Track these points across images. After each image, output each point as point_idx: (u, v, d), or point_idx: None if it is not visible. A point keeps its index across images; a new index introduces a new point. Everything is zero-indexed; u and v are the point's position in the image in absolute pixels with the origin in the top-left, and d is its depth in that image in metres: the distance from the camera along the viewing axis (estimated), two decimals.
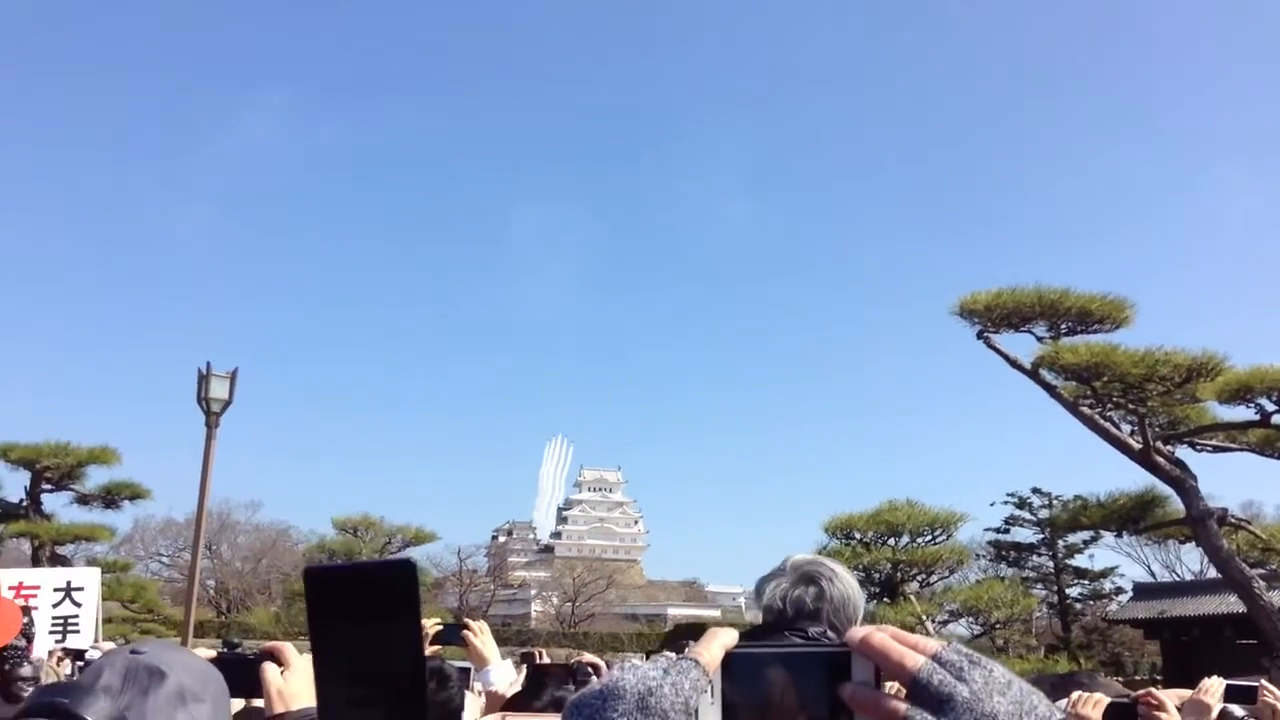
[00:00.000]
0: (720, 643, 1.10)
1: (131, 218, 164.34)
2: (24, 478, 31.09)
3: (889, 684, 1.07)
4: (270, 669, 2.31)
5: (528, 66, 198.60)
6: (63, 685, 1.15)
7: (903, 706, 1.03)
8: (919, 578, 31.20)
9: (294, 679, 2.30)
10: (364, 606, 0.93)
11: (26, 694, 6.07)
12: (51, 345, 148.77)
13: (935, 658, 1.04)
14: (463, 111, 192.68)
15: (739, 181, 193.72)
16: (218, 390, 22.06)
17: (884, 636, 1.07)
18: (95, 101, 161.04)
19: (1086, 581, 60.13)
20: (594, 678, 3.79)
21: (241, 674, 2.26)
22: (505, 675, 4.25)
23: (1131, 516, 25.48)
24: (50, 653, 12.51)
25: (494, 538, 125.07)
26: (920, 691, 1.02)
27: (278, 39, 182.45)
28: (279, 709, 2.24)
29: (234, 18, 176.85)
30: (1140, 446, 22.54)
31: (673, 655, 1.09)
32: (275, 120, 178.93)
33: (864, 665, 1.07)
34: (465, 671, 4.45)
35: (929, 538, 31.00)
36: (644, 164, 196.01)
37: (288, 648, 2.40)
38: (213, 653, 2.47)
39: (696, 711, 1.04)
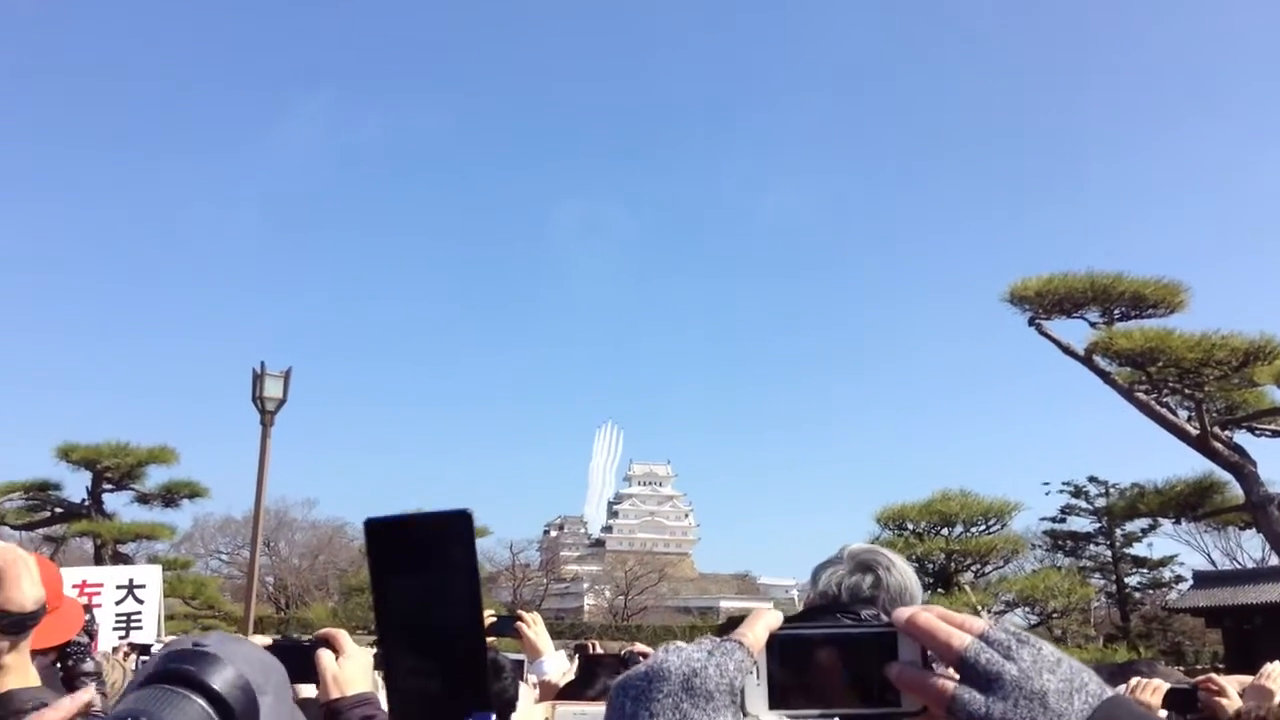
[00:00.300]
0: (765, 624, 1.10)
1: (178, 219, 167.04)
2: (85, 478, 31.69)
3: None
4: (326, 655, 2.34)
5: (561, 63, 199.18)
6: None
7: (950, 685, 1.02)
8: (973, 568, 30.91)
9: (349, 665, 2.35)
10: (423, 556, 0.97)
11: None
12: (109, 347, 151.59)
13: (982, 636, 1.03)
14: (501, 107, 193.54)
15: (775, 171, 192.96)
16: (272, 389, 22.38)
17: (930, 616, 1.06)
18: (137, 105, 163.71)
19: (1145, 570, 59.32)
20: None
21: (297, 661, 2.28)
22: (559, 665, 4.28)
23: (1190, 503, 25.08)
24: (115, 649, 12.75)
25: (546, 532, 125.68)
26: (968, 670, 1.02)
27: (315, 40, 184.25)
28: (334, 695, 2.28)
29: (270, 19, 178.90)
30: (1198, 432, 22.19)
31: (717, 638, 1.09)
32: (316, 120, 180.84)
33: (911, 646, 1.07)
34: (519, 663, 4.48)
35: (983, 527, 30.71)
36: (682, 155, 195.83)
37: (343, 635, 2.44)
38: (269, 640, 2.52)
39: (742, 692, 1.05)
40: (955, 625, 1.06)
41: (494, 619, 4.36)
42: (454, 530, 0.97)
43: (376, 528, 0.97)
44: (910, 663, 1.07)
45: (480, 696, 1.00)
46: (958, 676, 1.03)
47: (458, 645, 0.99)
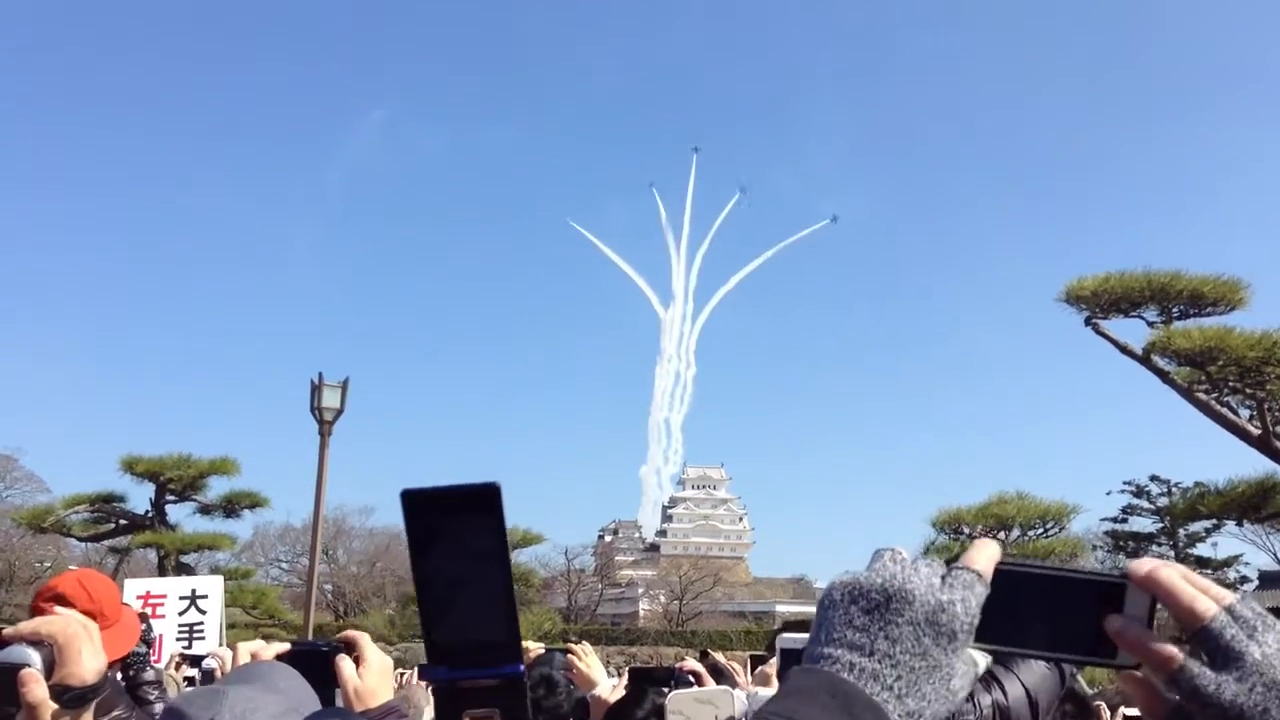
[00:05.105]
0: (989, 555, 1.02)
1: (240, 233, 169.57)
2: (149, 490, 32.19)
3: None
4: (346, 665, 2.30)
5: (614, 66, 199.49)
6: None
7: (1179, 655, 0.95)
8: None
9: (370, 675, 2.30)
10: (456, 525, 1.02)
11: (152, 698, 6.33)
12: (172, 363, 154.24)
13: (1229, 609, 0.95)
14: (556, 116, 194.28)
15: (833, 174, 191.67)
16: (329, 400, 22.70)
17: (1173, 573, 0.98)
18: (201, 121, 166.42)
19: (1209, 571, 58.13)
20: (694, 686, 3.82)
21: (316, 667, 2.26)
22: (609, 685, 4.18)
23: (1253, 504, 24.48)
24: (171, 656, 12.97)
25: (600, 537, 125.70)
26: (1209, 643, 0.95)
27: (374, 57, 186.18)
28: (357, 708, 2.24)
29: (328, 37, 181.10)
30: (1259, 432, 21.73)
31: (947, 563, 1.00)
32: (375, 138, 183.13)
33: (1140, 601, 1.00)
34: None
35: (1041, 530, 30.25)
36: (737, 159, 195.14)
37: (363, 638, 2.38)
38: (285, 646, 2.50)
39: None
40: (1199, 589, 0.98)
41: (542, 651, 4.28)
42: (484, 500, 1.02)
43: (413, 499, 1.02)
44: (1136, 618, 1.00)
45: (513, 651, 1.02)
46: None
47: (491, 604, 1.02)
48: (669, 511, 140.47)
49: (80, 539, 34.89)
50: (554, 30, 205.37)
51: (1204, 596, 0.96)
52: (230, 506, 32.83)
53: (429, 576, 1.03)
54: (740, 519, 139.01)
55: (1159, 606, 1.00)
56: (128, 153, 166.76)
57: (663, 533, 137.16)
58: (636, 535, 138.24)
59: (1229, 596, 0.96)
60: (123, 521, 32.66)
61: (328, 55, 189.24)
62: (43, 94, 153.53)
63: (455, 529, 1.01)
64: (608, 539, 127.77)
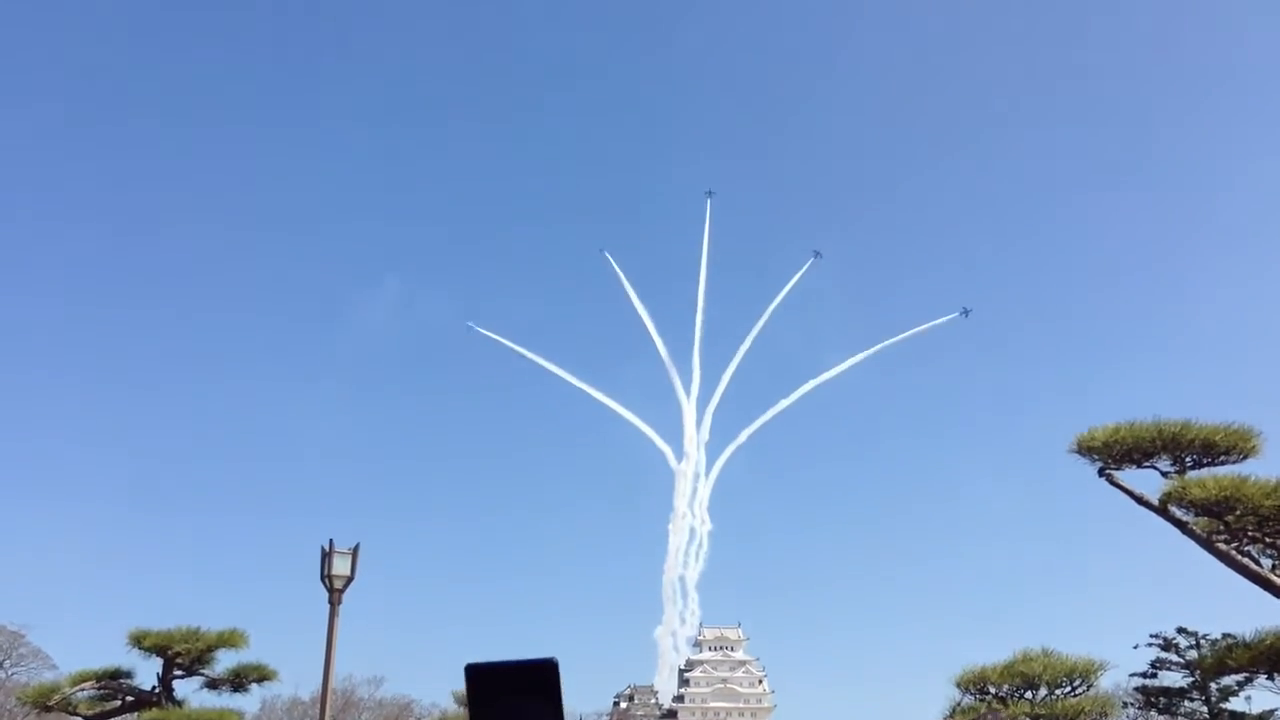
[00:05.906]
0: None
1: (252, 405, 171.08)
2: (157, 665, 31.75)
3: None
4: None
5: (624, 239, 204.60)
6: None
7: None
8: None
9: None
10: (515, 696, 1.09)
11: None
12: (180, 535, 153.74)
13: None
14: (567, 285, 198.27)
15: (837, 332, 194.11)
16: (340, 567, 22.59)
17: None
18: (212, 299, 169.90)
19: None
20: None
21: None
22: None
23: None
24: None
25: (616, 704, 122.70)
26: None
27: (388, 227, 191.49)
28: None
29: (343, 211, 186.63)
30: None
31: None
32: (387, 303, 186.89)
33: None
34: None
35: (1069, 689, 29.50)
36: (742, 317, 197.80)
37: None
38: None
39: None
40: None
41: None
42: (543, 675, 1.10)
43: (475, 672, 1.11)
44: None
45: None
46: None
47: None
48: (686, 675, 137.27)
49: (86, 718, 34.19)
50: (563, 207, 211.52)
51: None
52: (238, 680, 32.30)
53: None
54: (760, 681, 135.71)
55: None
56: (135, 330, 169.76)
57: (680, 698, 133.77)
58: (653, 701, 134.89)
59: None
60: (129, 698, 32.09)
61: (340, 223, 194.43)
62: (42, 278, 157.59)
63: (514, 701, 1.09)
64: (623, 705, 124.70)
